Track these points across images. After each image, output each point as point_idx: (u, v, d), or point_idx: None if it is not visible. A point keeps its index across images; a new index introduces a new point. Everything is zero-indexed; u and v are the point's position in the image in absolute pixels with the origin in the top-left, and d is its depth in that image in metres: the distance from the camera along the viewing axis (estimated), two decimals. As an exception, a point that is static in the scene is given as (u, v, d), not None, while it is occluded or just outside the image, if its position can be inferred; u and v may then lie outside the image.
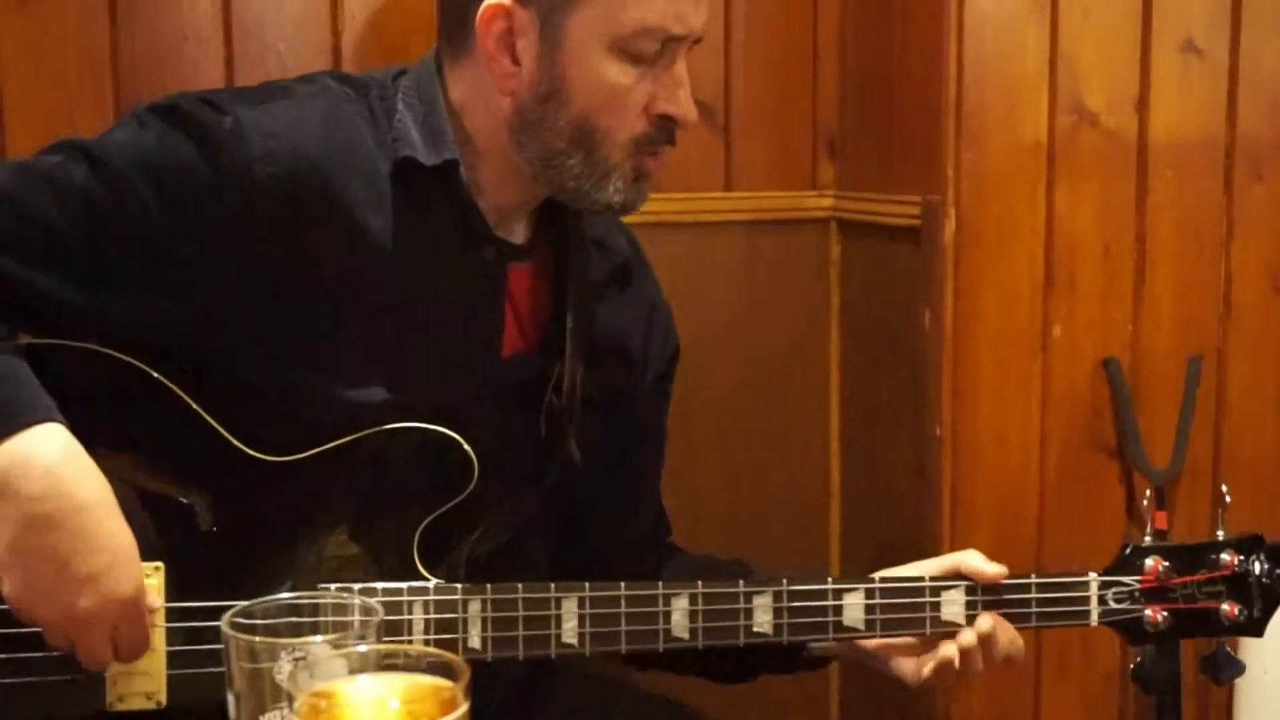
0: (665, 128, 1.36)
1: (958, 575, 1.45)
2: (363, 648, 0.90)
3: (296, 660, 0.91)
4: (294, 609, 1.00)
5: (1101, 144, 2.03)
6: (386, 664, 0.88)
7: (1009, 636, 1.44)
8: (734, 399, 2.24)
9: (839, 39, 2.24)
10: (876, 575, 1.47)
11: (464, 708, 0.83)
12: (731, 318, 2.22)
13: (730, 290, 2.22)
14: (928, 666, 1.43)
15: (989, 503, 2.05)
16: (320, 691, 0.85)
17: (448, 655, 0.86)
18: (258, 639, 0.93)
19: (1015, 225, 2.02)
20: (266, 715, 0.93)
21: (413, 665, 0.87)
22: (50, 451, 1.20)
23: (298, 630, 0.98)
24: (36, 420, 1.20)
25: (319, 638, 0.94)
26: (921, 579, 1.45)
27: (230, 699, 0.94)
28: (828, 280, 2.29)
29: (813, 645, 1.49)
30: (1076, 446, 2.08)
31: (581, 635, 1.36)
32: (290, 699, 0.85)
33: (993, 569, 1.45)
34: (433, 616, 1.33)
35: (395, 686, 0.86)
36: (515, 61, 1.33)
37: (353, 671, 0.88)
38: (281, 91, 1.38)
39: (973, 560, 1.46)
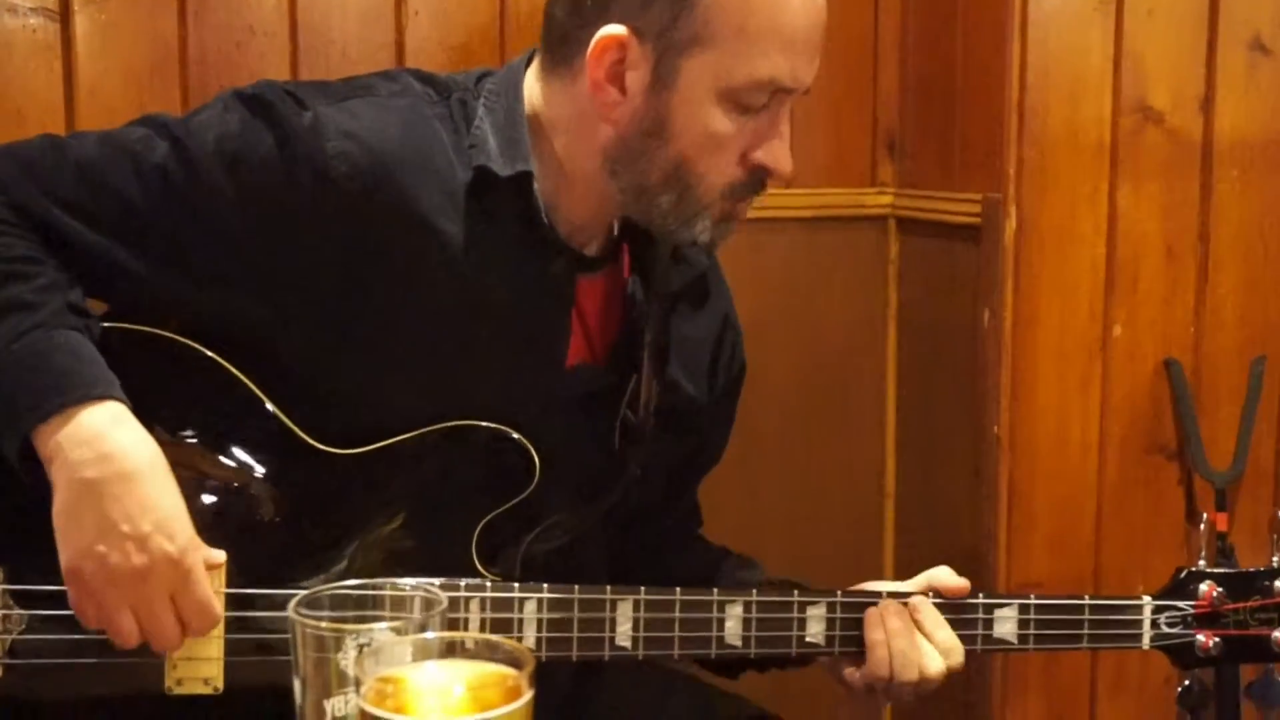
0: (758, 176, 1.35)
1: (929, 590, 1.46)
2: (430, 635, 0.91)
3: (361, 647, 0.92)
4: (359, 598, 1.01)
5: (1166, 143, 2.02)
6: (451, 652, 0.89)
7: (934, 629, 1.42)
8: (790, 396, 2.24)
9: (900, 36, 2.23)
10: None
11: (528, 695, 0.83)
12: (789, 314, 2.22)
13: (788, 287, 2.22)
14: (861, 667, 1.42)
15: (1047, 503, 2.04)
16: (387, 677, 0.86)
17: (513, 644, 0.86)
18: (325, 625, 0.94)
19: (1077, 224, 2.01)
20: (331, 700, 0.94)
21: (477, 653, 0.88)
22: (99, 421, 1.22)
23: (363, 618, 0.99)
24: (94, 395, 1.23)
25: (384, 625, 0.95)
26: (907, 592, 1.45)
27: (296, 684, 0.95)
28: (886, 278, 2.28)
29: None
30: (1136, 448, 2.07)
31: (635, 639, 1.37)
32: (357, 684, 0.86)
33: (957, 582, 1.45)
34: (489, 615, 1.34)
35: (461, 673, 0.87)
36: (623, 92, 1.32)
37: (417, 658, 0.89)
38: (364, 89, 1.38)
39: (942, 576, 1.46)
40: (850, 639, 1.42)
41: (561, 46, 1.36)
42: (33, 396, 1.22)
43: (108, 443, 1.21)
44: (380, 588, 1.03)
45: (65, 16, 1.84)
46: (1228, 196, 2.05)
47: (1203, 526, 1.77)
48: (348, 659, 0.92)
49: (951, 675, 1.42)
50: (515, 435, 1.36)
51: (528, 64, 1.43)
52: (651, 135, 1.32)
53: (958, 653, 1.41)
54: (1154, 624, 1.47)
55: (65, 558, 1.21)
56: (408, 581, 1.28)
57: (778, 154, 1.35)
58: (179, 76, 1.90)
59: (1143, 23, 1.98)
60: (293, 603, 0.96)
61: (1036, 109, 1.97)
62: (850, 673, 1.44)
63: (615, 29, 1.30)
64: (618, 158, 1.35)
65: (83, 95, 1.86)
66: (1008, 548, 2.02)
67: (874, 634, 1.40)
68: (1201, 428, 2.05)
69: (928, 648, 1.40)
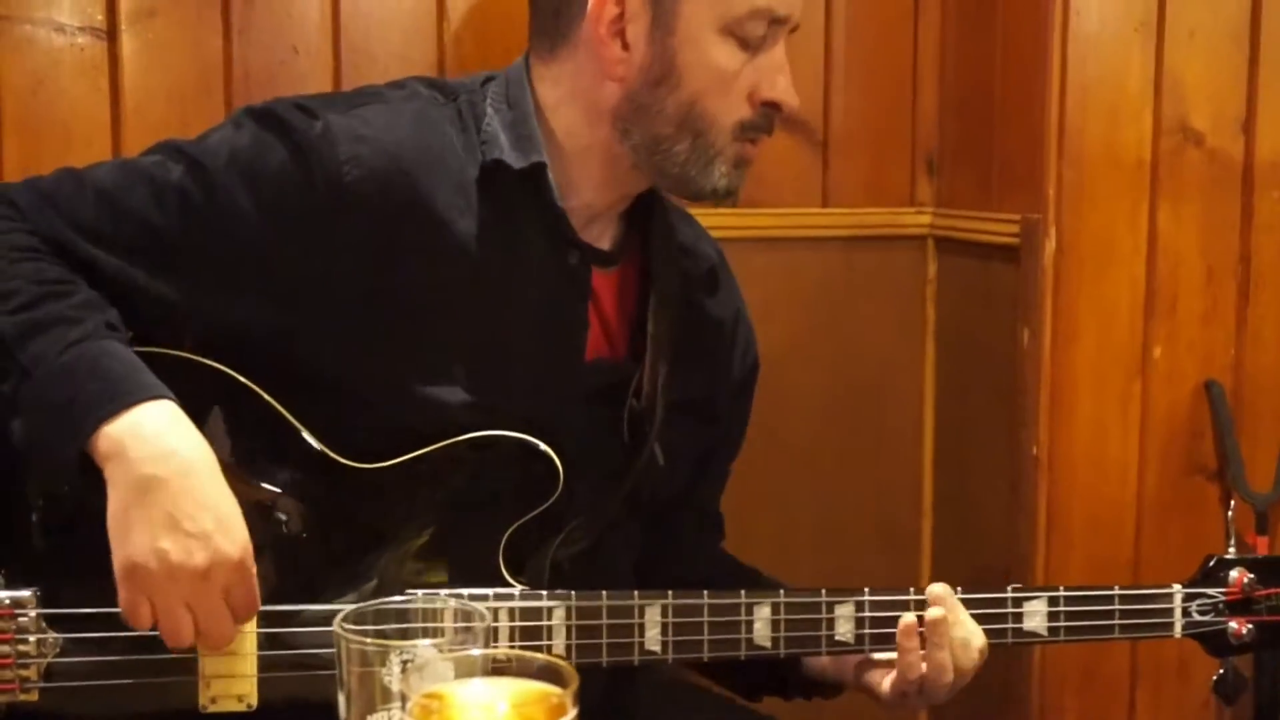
0: (767, 115, 1.39)
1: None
2: (475, 651, 0.92)
3: (405, 663, 0.93)
4: (402, 613, 1.02)
5: (1206, 164, 2.01)
6: (496, 668, 0.90)
7: (963, 631, 1.41)
8: (827, 415, 2.24)
9: (939, 55, 2.23)
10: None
11: (572, 714, 0.84)
12: (827, 333, 2.22)
13: (826, 306, 2.22)
14: (891, 676, 1.42)
15: (1085, 524, 2.03)
16: (432, 693, 0.87)
17: (557, 661, 0.87)
18: (370, 641, 0.95)
19: (1116, 245, 2.00)
20: (375, 715, 0.95)
21: (522, 670, 0.89)
22: (159, 419, 1.24)
23: (405, 633, 1.00)
24: (151, 396, 1.25)
25: (428, 641, 0.96)
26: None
27: (340, 698, 0.96)
28: (924, 298, 2.28)
29: (807, 668, 1.51)
30: (1176, 469, 2.06)
31: (665, 643, 1.38)
32: (403, 699, 0.87)
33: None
34: (518, 624, 1.34)
35: (505, 691, 0.88)
36: (625, 47, 1.35)
37: (461, 675, 0.90)
38: (372, 96, 1.41)
39: None
40: (881, 637, 1.42)
41: (555, 23, 1.39)
42: (91, 400, 1.23)
43: (169, 440, 1.23)
44: (422, 603, 1.04)
45: (112, 35, 1.86)
46: (1268, 217, 2.04)
47: (1230, 514, 1.77)
48: (391, 675, 0.93)
49: (982, 665, 1.41)
50: (539, 444, 1.36)
51: (527, 63, 1.45)
52: (660, 83, 1.35)
53: (978, 636, 1.41)
54: (1185, 612, 1.46)
55: (123, 555, 1.21)
56: (434, 594, 1.29)
57: (782, 87, 1.38)
58: (224, 95, 1.92)
59: (1183, 43, 1.98)
60: (338, 618, 0.98)
61: (1076, 129, 1.96)
62: (880, 681, 1.44)
63: None
64: (628, 114, 1.37)
65: (129, 113, 1.88)
66: (1045, 568, 2.01)
67: (907, 641, 1.40)
68: (1242, 449, 2.04)
69: (959, 645, 1.40)
